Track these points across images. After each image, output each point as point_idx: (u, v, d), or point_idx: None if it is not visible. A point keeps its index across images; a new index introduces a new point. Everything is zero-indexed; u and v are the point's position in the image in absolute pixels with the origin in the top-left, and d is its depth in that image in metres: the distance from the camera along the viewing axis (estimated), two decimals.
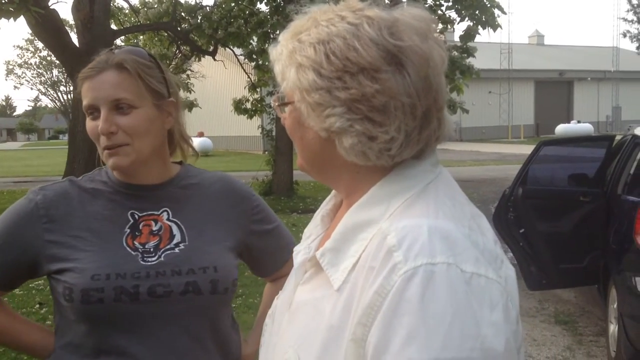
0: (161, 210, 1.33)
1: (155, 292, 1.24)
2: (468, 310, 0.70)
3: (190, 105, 13.63)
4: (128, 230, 1.29)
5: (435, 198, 0.82)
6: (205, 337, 1.31)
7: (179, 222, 1.33)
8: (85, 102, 1.26)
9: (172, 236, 1.31)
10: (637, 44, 17.96)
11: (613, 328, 4.12)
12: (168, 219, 1.33)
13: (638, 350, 3.68)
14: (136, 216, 1.31)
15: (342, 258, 0.83)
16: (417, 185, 0.83)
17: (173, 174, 1.38)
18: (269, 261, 1.50)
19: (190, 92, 13.82)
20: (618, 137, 5.51)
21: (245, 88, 13.47)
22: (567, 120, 37.89)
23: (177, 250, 1.29)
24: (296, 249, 0.99)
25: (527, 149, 4.97)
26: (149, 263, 1.26)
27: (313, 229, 1.01)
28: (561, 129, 33.58)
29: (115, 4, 13.37)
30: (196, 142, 34.63)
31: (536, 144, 5.00)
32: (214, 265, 1.30)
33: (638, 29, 17.76)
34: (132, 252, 1.27)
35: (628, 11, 17.96)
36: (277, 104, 0.90)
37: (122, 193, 1.33)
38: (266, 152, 13.94)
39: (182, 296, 1.26)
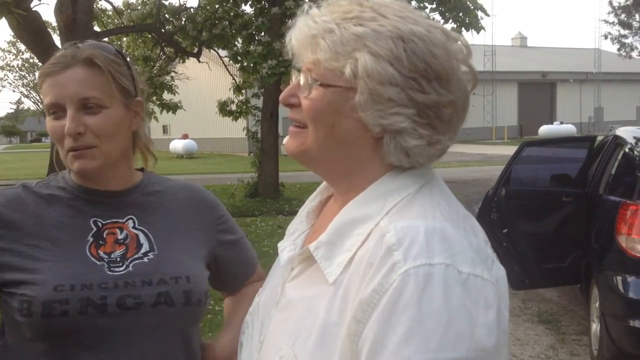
0: (126, 218, 1.24)
1: (124, 304, 1.15)
2: (464, 311, 0.71)
3: (175, 107, 13.55)
4: (91, 239, 1.20)
5: (431, 198, 0.83)
6: (177, 355, 1.22)
7: (145, 231, 1.25)
8: (47, 100, 1.17)
9: (140, 245, 1.22)
10: (618, 46, 18.17)
11: (595, 327, 4.16)
12: (134, 227, 1.24)
13: (620, 348, 3.72)
14: (99, 224, 1.22)
15: (337, 252, 0.83)
16: (414, 184, 0.84)
17: (137, 180, 1.30)
18: (232, 275, 1.41)
19: (175, 94, 13.73)
20: (599, 138, 5.58)
21: (230, 90, 13.44)
22: (550, 121, 38.26)
23: (146, 259, 1.21)
24: (280, 245, 0.99)
25: (511, 150, 5.01)
26: (117, 273, 1.17)
27: (298, 225, 1.00)
28: (544, 130, 33.91)
29: (99, 5, 13.25)
30: (180, 144, 34.58)
31: (519, 144, 5.05)
32: (186, 275, 1.21)
33: (619, 30, 17.97)
34: (97, 262, 1.18)
35: (609, 13, 18.16)
36: (318, 82, 0.84)
37: (83, 199, 1.24)
38: (251, 154, 13.89)
39: (154, 308, 1.17)
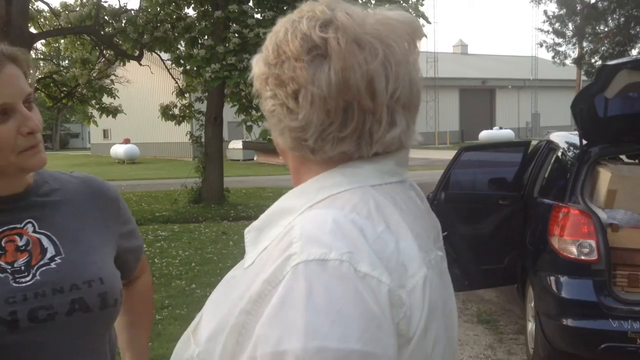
0: (24, 223, 1.17)
1: (37, 317, 1.08)
2: (355, 308, 0.69)
3: (115, 111, 13.22)
4: None
5: (362, 197, 0.80)
6: (102, 359, 1.19)
7: (48, 233, 1.18)
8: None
9: (44, 250, 1.15)
10: (553, 54, 18.87)
11: (531, 326, 4.28)
12: (35, 232, 1.17)
13: (554, 346, 3.84)
14: None
15: (262, 239, 0.83)
16: (351, 185, 0.81)
17: (31, 180, 1.22)
18: (129, 263, 1.37)
19: (115, 98, 13.39)
20: (534, 143, 5.77)
21: (173, 93, 13.22)
22: (490, 126, 39.42)
23: (53, 265, 1.14)
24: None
25: (453, 155, 5.13)
26: (24, 284, 1.10)
27: None
28: (484, 135, 34.89)
29: (34, 6, 12.80)
30: (122, 149, 33.80)
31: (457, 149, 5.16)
32: (99, 277, 1.16)
33: (553, 39, 18.66)
34: (0, 274, 1.10)
35: (544, 22, 18.83)
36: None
37: None
38: (195, 159, 13.69)
39: (69, 317, 1.11)
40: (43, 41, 13.75)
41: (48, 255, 1.15)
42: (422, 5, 11.80)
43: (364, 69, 0.78)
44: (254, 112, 10.91)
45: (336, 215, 0.76)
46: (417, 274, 0.76)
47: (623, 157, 4.62)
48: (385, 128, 0.81)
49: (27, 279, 1.11)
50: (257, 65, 0.87)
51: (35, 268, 1.13)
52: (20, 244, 1.15)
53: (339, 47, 0.78)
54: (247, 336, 0.74)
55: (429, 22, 12.14)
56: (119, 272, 1.25)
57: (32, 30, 11.81)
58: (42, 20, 13.57)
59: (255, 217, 0.89)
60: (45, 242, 1.17)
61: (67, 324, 1.11)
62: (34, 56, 14.18)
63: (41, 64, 15.09)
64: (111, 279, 1.19)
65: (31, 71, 1.19)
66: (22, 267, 1.13)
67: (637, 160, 4.55)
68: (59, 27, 12.38)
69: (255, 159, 26.17)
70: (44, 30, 12.84)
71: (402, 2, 11.51)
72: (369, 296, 0.70)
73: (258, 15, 10.66)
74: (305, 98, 0.79)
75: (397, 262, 0.75)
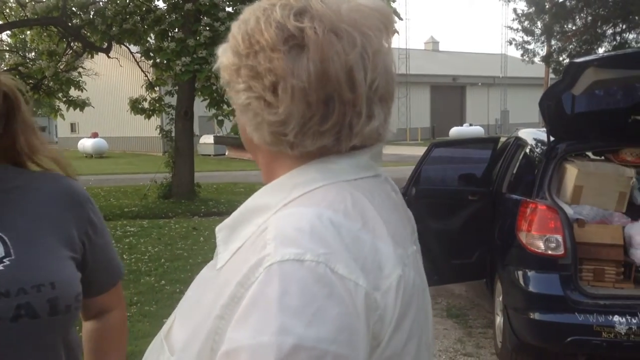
0: None
1: None
2: (329, 312, 0.66)
3: (82, 104, 12.96)
4: None
5: (337, 192, 0.78)
6: None
7: (0, 234, 1.10)
8: None
9: None
10: (522, 52, 19.14)
11: (499, 320, 4.34)
12: None
13: (521, 339, 3.90)
14: None
15: (234, 238, 0.80)
16: (325, 180, 0.79)
17: None
18: (99, 276, 1.28)
19: (82, 91, 13.13)
20: (503, 139, 5.85)
21: (142, 87, 13.03)
22: (461, 123, 39.84)
23: (1, 267, 1.06)
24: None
25: (424, 151, 5.16)
26: None
27: None
28: (454, 131, 35.28)
29: None
30: (90, 142, 33.27)
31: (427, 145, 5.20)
32: (50, 282, 1.09)
33: (522, 37, 18.92)
34: None
35: (514, 20, 19.07)
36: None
37: None
38: (166, 154, 13.53)
39: (14, 323, 1.04)
40: (9, 32, 13.39)
41: None
42: (393, 1, 11.82)
43: (342, 59, 0.75)
44: (225, 106, 10.82)
45: (312, 213, 0.73)
46: (392, 275, 0.74)
47: (589, 153, 4.71)
48: (364, 121, 0.79)
49: None
50: (225, 55, 0.82)
51: None
52: None
53: (316, 36, 0.75)
54: (220, 342, 0.71)
55: (400, 19, 12.21)
56: (78, 277, 1.17)
57: None
58: (7, 10, 13.22)
59: (227, 213, 0.86)
60: None
61: (12, 330, 1.04)
62: None
63: (7, 56, 14.71)
64: (65, 283, 1.12)
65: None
66: None
67: (602, 157, 4.63)
68: (25, 18, 12.09)
69: (226, 153, 25.97)
70: (10, 21, 12.52)
71: None
72: (347, 298, 0.68)
73: (230, 9, 10.56)
74: (285, 90, 0.75)
75: (373, 262, 0.73)
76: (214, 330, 0.72)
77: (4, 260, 1.08)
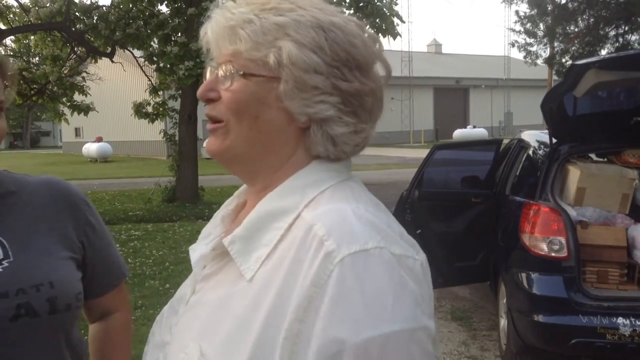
0: None
1: None
2: (405, 290, 0.72)
3: (87, 109, 13.01)
4: None
5: (352, 190, 0.83)
6: None
7: None
8: None
9: None
10: (525, 54, 19.14)
11: (503, 322, 4.34)
12: None
13: (525, 342, 3.89)
14: None
15: (254, 247, 0.80)
16: (333, 179, 0.83)
17: None
18: (100, 276, 1.29)
19: (87, 95, 13.18)
20: (506, 141, 5.85)
21: (146, 91, 13.06)
22: (464, 125, 39.81)
23: (0, 269, 1.09)
24: (192, 247, 0.95)
25: (427, 153, 5.17)
26: None
27: (212, 229, 0.97)
28: (458, 133, 35.24)
29: (3, 2, 12.54)
30: (94, 147, 33.36)
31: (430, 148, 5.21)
32: (48, 281, 1.11)
33: (525, 39, 18.92)
34: None
35: (516, 22, 19.08)
36: (240, 73, 0.81)
37: None
38: (169, 158, 13.56)
39: (13, 323, 1.06)
40: (12, 37, 13.47)
41: None
42: (396, 4, 11.84)
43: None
44: None
45: (348, 208, 0.77)
46: (417, 246, 0.82)
47: (592, 155, 4.71)
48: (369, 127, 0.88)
49: None
50: (305, 52, 0.79)
51: None
52: None
53: (384, 57, 0.86)
54: (302, 345, 0.71)
55: (403, 22, 12.16)
56: (78, 276, 1.20)
57: (1, 26, 11.58)
58: (11, 16, 13.28)
59: None
60: None
61: (12, 330, 1.06)
62: (2, 52, 13.90)
63: (11, 61, 14.72)
64: (64, 282, 1.14)
65: (7, 83, 1.14)
66: None
67: (605, 159, 4.63)
68: (29, 23, 12.15)
69: None
70: (13, 26, 12.58)
71: (376, 1, 11.55)
72: (410, 275, 0.74)
73: None
74: (378, 108, 0.86)
75: (408, 239, 0.81)
76: (294, 335, 0.71)
77: (3, 262, 1.10)
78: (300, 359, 0.70)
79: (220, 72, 0.83)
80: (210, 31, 0.84)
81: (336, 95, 0.80)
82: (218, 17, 0.84)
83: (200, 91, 0.86)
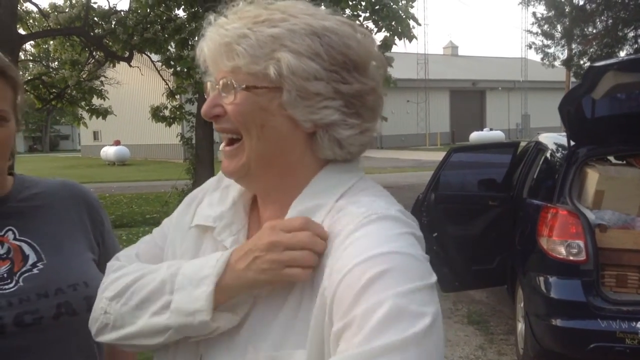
0: (5, 230, 1.17)
1: (22, 322, 1.08)
2: (415, 242, 0.80)
3: (105, 113, 13.15)
4: None
5: (373, 187, 0.88)
6: None
7: (29, 240, 1.17)
8: None
9: (26, 257, 1.15)
10: (542, 55, 18.99)
11: (521, 326, 4.30)
12: (15, 239, 1.16)
13: (543, 346, 3.86)
14: None
15: None
16: (351, 179, 0.87)
17: (9, 187, 1.22)
18: None
19: (105, 99, 13.32)
20: (523, 144, 5.81)
21: (163, 95, 13.17)
22: (481, 127, 39.54)
23: (36, 270, 1.13)
24: (219, 235, 0.91)
25: (443, 156, 5.15)
26: (7, 290, 1.10)
27: (230, 214, 0.93)
28: (475, 136, 34.99)
29: (23, 7, 12.72)
30: (112, 150, 33.58)
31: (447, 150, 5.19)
32: (83, 281, 1.16)
33: (542, 41, 18.76)
34: None
35: (533, 24, 18.95)
36: (243, 86, 0.82)
37: None
38: (186, 161, 13.64)
39: (55, 321, 1.11)
40: (32, 42, 13.65)
41: (30, 261, 1.15)
42: (412, 7, 11.81)
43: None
44: None
45: (379, 198, 0.84)
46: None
47: (610, 158, 4.66)
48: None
49: (10, 285, 1.11)
50: (303, 61, 0.81)
51: (17, 275, 1.13)
52: (1, 252, 1.14)
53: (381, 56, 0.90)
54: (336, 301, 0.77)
55: (419, 24, 12.13)
56: (101, 276, 1.21)
57: (21, 31, 11.73)
58: (31, 21, 13.48)
59: None
60: (27, 249, 1.16)
61: (54, 328, 1.11)
62: (22, 57, 14.06)
63: (30, 66, 14.95)
64: (97, 281, 1.15)
65: (19, 96, 1.15)
66: (5, 275, 1.12)
67: (624, 161, 4.58)
68: (48, 28, 12.31)
69: None
70: (33, 31, 12.75)
71: (392, 3, 11.53)
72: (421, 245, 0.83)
73: None
74: (380, 106, 0.88)
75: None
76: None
77: (37, 264, 1.15)
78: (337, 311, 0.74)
79: (222, 88, 0.85)
80: (207, 49, 0.86)
81: (338, 99, 0.82)
82: (212, 35, 0.84)
83: (204, 109, 0.87)
